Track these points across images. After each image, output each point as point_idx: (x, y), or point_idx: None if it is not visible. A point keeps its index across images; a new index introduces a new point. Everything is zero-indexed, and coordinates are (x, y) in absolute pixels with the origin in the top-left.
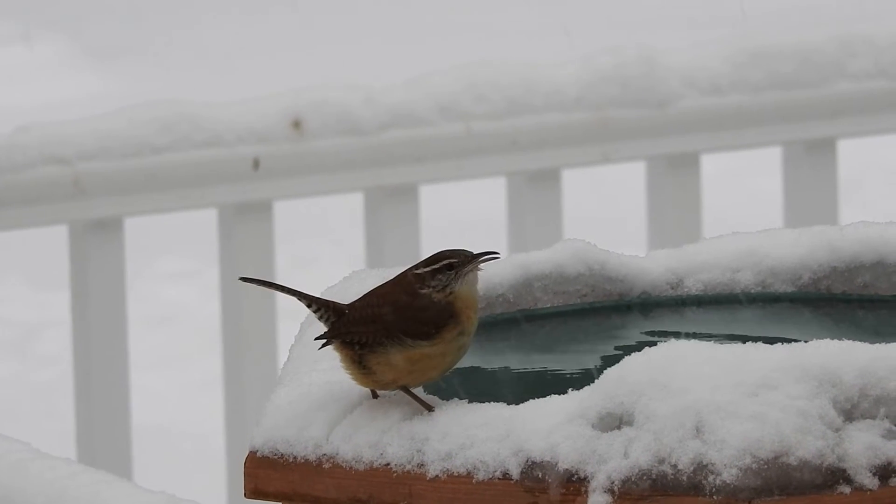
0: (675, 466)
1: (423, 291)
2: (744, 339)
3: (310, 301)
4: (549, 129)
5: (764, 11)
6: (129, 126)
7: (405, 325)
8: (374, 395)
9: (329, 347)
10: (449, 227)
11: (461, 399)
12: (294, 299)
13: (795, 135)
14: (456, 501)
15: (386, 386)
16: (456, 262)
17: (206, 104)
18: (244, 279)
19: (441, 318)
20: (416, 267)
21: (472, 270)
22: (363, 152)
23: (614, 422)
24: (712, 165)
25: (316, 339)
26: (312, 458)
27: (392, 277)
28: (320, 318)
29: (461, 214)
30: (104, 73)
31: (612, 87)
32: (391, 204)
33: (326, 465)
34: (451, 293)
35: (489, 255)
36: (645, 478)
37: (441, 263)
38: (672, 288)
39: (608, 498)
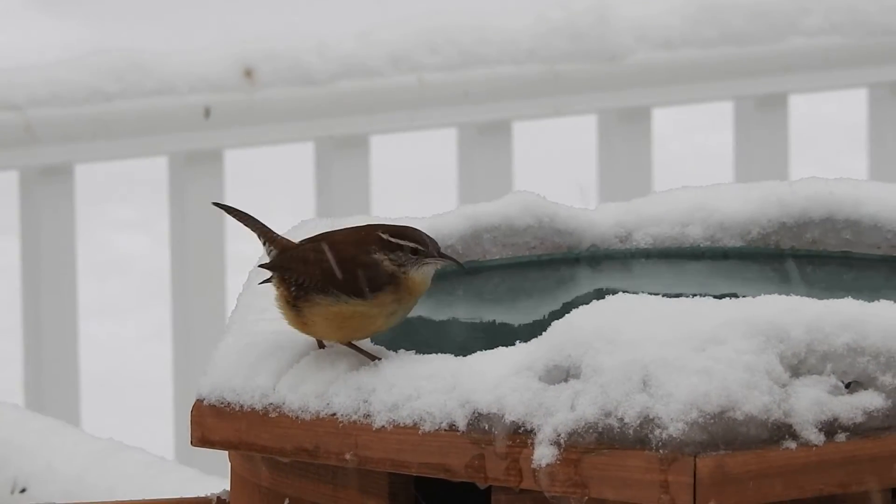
0: (621, 420)
1: (377, 257)
2: (692, 293)
3: (260, 231)
4: (501, 81)
5: None
6: (80, 73)
7: (343, 277)
8: (321, 346)
9: (270, 284)
10: (399, 177)
11: (408, 350)
12: (241, 248)
13: (747, 90)
14: (402, 452)
15: (316, 334)
16: (422, 251)
17: (158, 52)
18: (216, 204)
19: (379, 282)
20: (385, 229)
21: (431, 265)
22: (315, 102)
23: (561, 374)
24: (664, 119)
25: (259, 265)
26: (259, 407)
27: (353, 226)
28: (267, 253)
29: (412, 165)
30: (55, 20)
31: (564, 40)
32: (342, 154)
33: (273, 415)
34: (403, 273)
35: (451, 260)
36: (591, 431)
37: (409, 244)
38: (621, 241)
39: (554, 450)
